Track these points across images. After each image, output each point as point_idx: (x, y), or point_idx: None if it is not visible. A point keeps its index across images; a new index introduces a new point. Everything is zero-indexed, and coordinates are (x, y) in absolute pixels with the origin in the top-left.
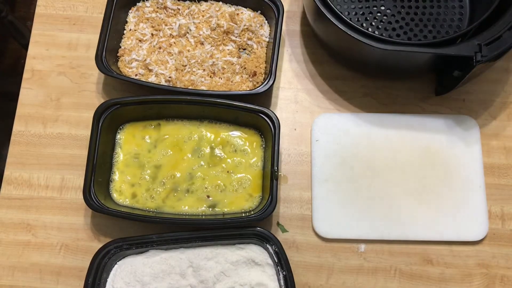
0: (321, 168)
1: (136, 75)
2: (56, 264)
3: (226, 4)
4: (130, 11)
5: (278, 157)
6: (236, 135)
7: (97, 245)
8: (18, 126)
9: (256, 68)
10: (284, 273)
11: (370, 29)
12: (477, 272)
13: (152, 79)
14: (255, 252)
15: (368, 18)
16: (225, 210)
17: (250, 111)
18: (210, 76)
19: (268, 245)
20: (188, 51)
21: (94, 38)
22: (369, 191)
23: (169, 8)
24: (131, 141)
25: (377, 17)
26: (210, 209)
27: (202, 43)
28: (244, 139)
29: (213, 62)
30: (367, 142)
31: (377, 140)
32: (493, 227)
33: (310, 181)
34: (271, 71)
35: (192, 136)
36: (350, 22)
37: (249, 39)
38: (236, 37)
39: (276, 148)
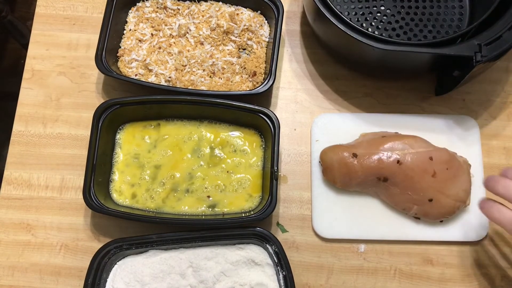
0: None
1: (136, 75)
2: (56, 264)
3: (226, 4)
4: (130, 11)
5: (278, 157)
6: (236, 135)
7: (97, 245)
8: (18, 126)
9: (256, 68)
10: (284, 273)
11: (370, 29)
12: (477, 272)
13: (152, 79)
14: (255, 252)
15: (368, 18)
16: (225, 210)
17: (250, 111)
18: (210, 76)
19: (268, 245)
20: (188, 51)
21: (94, 38)
22: (369, 191)
23: (169, 8)
24: (131, 141)
25: (377, 17)
26: (210, 209)
27: (202, 43)
28: (244, 139)
29: (213, 62)
30: None
31: None
32: (493, 227)
33: (310, 181)
34: (271, 71)
35: (192, 136)
36: (350, 22)
37: (249, 39)
38: (236, 37)
39: (276, 148)
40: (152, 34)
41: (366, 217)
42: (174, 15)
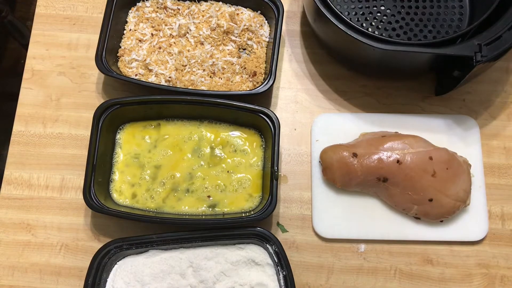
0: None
1: (136, 75)
2: (56, 264)
3: (226, 4)
4: (130, 11)
5: (278, 157)
6: (236, 135)
7: (97, 245)
8: (18, 126)
9: (256, 68)
10: (284, 273)
11: (370, 29)
12: (477, 272)
13: (152, 79)
14: (255, 252)
15: (368, 18)
16: (225, 210)
17: (250, 111)
18: (210, 76)
19: (268, 245)
20: (188, 51)
21: (94, 38)
22: (369, 191)
23: (169, 8)
24: (131, 141)
25: (377, 17)
26: (210, 209)
27: (202, 43)
28: (244, 139)
29: (213, 62)
30: None
31: None
32: (493, 227)
33: (310, 181)
34: (271, 71)
35: (192, 136)
36: (350, 22)
37: (249, 39)
38: (236, 37)
39: (276, 148)
40: (152, 34)
41: (366, 217)
42: (174, 15)
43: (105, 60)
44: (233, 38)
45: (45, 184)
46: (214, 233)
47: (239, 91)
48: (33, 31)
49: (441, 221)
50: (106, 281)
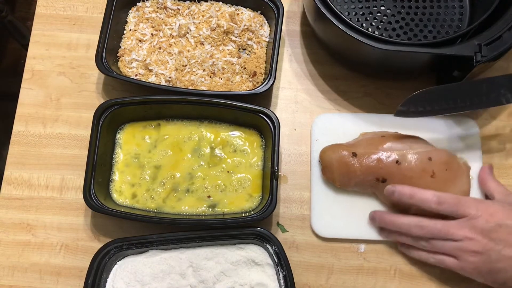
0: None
1: (136, 75)
2: (56, 264)
3: (226, 4)
4: (130, 11)
5: (278, 157)
6: (236, 135)
7: (97, 245)
8: (18, 126)
9: (256, 68)
10: (284, 273)
11: (370, 29)
12: None
13: (152, 79)
14: (255, 252)
15: (368, 18)
16: (225, 210)
17: (250, 111)
18: (210, 76)
19: (268, 245)
20: (188, 51)
21: (94, 38)
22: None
23: (169, 8)
24: (131, 141)
25: (377, 17)
26: (210, 209)
27: (202, 43)
28: (244, 139)
29: (213, 62)
30: None
31: None
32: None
33: (310, 181)
34: (271, 71)
35: (192, 136)
36: (350, 22)
37: (249, 39)
38: (236, 37)
39: (276, 148)
40: (152, 34)
41: (366, 217)
42: (174, 15)
43: (105, 60)
44: (233, 38)
45: (45, 184)
46: (214, 233)
47: (239, 91)
48: (33, 31)
49: None
50: (106, 281)
